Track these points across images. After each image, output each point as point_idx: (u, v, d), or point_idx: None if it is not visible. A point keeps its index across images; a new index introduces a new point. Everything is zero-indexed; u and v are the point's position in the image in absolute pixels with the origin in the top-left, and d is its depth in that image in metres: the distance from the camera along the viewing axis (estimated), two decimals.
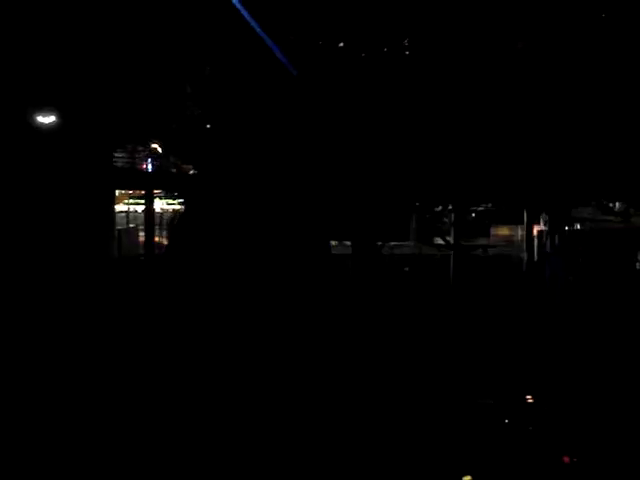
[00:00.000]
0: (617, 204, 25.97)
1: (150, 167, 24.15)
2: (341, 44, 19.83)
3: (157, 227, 25.23)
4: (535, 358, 15.81)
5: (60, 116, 18.72)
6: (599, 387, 13.89)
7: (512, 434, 11.95)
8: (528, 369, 15.12)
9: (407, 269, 24.02)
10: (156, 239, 24.58)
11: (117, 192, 23.19)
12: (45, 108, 18.59)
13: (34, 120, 18.59)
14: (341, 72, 19.59)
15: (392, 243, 23.05)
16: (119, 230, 23.56)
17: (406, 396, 13.56)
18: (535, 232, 24.44)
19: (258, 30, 17.88)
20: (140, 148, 23.53)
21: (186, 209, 20.39)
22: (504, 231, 27.22)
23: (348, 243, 21.99)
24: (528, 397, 13.50)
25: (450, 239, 24.18)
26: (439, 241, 24.64)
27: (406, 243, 24.57)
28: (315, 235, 19.41)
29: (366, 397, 13.34)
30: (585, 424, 12.29)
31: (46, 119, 18.74)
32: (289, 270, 17.73)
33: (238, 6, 17.09)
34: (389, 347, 16.59)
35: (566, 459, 10.95)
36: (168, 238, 23.43)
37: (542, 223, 24.34)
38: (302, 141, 19.17)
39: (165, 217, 27.17)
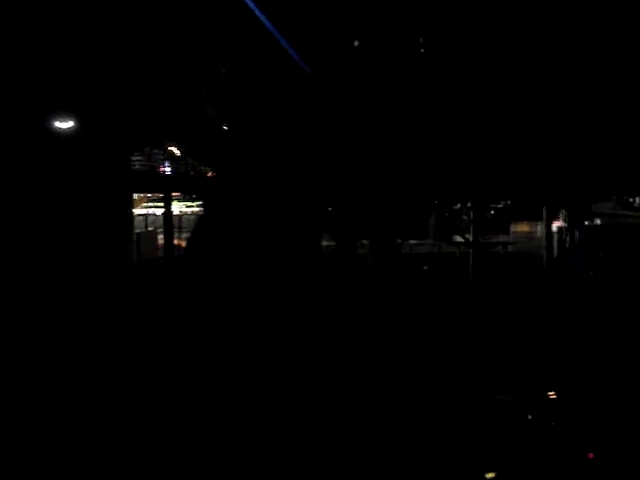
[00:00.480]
0: (637, 199, 25.81)
1: (168, 170, 24.17)
2: (356, 43, 19.81)
3: (176, 230, 25.27)
4: (556, 354, 15.72)
5: (77, 120, 18.79)
6: (620, 383, 13.79)
7: (534, 430, 11.88)
8: (549, 365, 15.03)
9: (426, 267, 23.94)
10: (175, 242, 24.61)
11: (135, 195, 23.21)
12: (62, 112, 18.66)
13: (51, 125, 18.67)
14: (357, 70, 19.55)
15: (411, 241, 23.00)
16: (138, 233, 23.58)
17: (425, 392, 13.53)
18: (555, 228, 24.31)
19: (272, 30, 17.89)
20: (157, 151, 23.56)
21: (206, 212, 20.46)
22: (523, 228, 27.12)
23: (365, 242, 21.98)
24: (550, 393, 13.42)
25: (469, 237, 24.05)
26: (458, 239, 24.53)
27: (425, 241, 24.50)
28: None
29: (385, 393, 13.33)
30: (606, 420, 12.21)
31: (63, 124, 18.81)
32: (305, 270, 17.77)
33: (252, 6, 17.09)
34: (408, 344, 16.57)
35: (591, 455, 10.88)
36: (187, 241, 23.48)
37: (562, 219, 24.19)
38: (319, 140, 19.16)
39: (184, 220, 27.22)
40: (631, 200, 26.00)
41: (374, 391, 13.33)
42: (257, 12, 17.60)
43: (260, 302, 16.38)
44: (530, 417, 12.32)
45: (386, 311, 18.84)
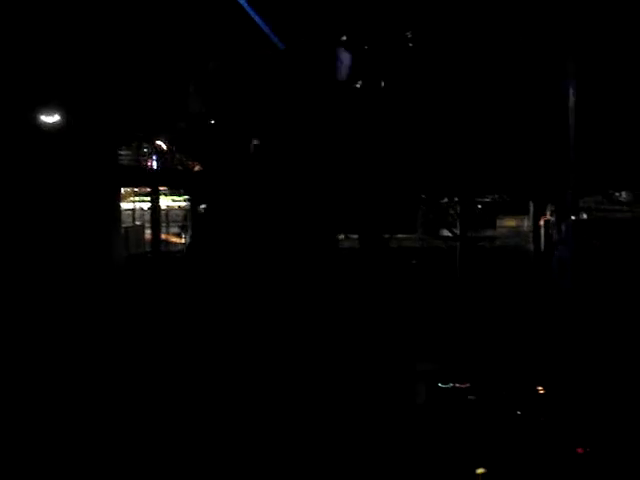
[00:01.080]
0: (623, 194, 25.94)
1: (155, 164, 24.10)
2: (344, 37, 19.81)
3: (163, 224, 25.22)
4: (545, 347, 15.80)
5: (64, 114, 18.71)
6: (608, 376, 13.88)
7: (524, 425, 11.94)
8: (538, 359, 15.10)
9: (414, 262, 23.96)
10: (162, 236, 24.55)
11: (123, 190, 23.12)
12: (49, 107, 18.57)
13: (38, 119, 18.59)
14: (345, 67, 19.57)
15: (399, 235, 23.01)
16: (125, 228, 23.51)
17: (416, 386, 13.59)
18: (542, 222, 24.38)
19: (262, 26, 17.86)
20: (145, 145, 23.50)
21: (205, 209, 20.57)
22: (511, 222, 27.17)
23: (355, 236, 21.98)
24: (539, 388, 13.49)
25: (457, 231, 24.10)
26: (445, 233, 24.57)
27: (413, 235, 24.51)
28: (322, 228, 19.45)
29: (374, 389, 13.37)
30: (595, 414, 12.29)
31: (50, 118, 18.72)
32: (299, 262, 17.80)
33: (243, 3, 17.07)
34: (397, 338, 16.60)
35: (580, 450, 10.95)
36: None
37: (548, 213, 24.28)
38: (307, 135, 19.16)
39: (171, 214, 27.17)
40: (617, 194, 26.15)
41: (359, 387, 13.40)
42: (247, 8, 17.59)
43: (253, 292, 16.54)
44: (519, 412, 12.39)
45: (374, 304, 18.87)
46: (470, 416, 12.32)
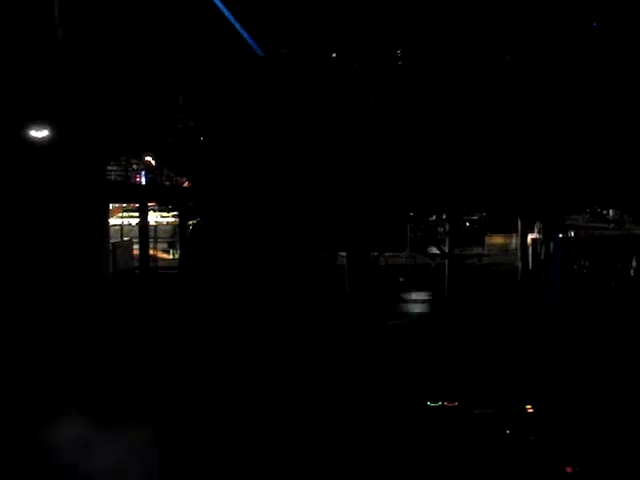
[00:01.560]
0: (611, 212, 26.03)
1: (144, 180, 24.05)
2: (334, 55, 19.87)
3: (151, 240, 25.12)
4: (534, 365, 15.80)
5: (53, 130, 18.65)
6: (597, 394, 13.89)
7: (513, 444, 11.91)
8: (526, 377, 15.09)
9: (402, 279, 23.98)
10: (151, 252, 24.46)
11: (111, 205, 23.02)
12: (38, 122, 18.51)
13: (26, 134, 18.52)
14: (335, 83, 19.61)
15: (388, 253, 23.02)
16: (113, 244, 23.42)
17: (403, 404, 13.56)
18: (529, 240, 24.46)
19: (250, 42, 17.90)
20: (134, 161, 23.45)
21: (195, 224, 20.55)
22: (498, 239, 27.22)
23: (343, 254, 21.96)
24: (528, 407, 13.47)
25: (445, 248, 24.15)
26: (434, 250, 24.61)
27: (402, 253, 24.51)
28: (311, 243, 19.46)
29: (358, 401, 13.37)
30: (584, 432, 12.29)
31: (39, 133, 18.65)
32: (289, 275, 17.82)
33: (230, 18, 17.11)
34: (385, 355, 16.59)
35: (569, 470, 10.94)
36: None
37: (536, 231, 24.35)
38: (296, 151, 19.17)
39: (159, 230, 27.07)
40: (604, 212, 26.23)
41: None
42: (235, 24, 17.62)
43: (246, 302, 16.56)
44: (508, 432, 12.37)
45: (362, 322, 18.87)
46: (459, 435, 12.29)
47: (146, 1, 18.56)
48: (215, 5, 17.49)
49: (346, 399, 13.63)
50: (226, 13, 17.49)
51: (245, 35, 17.78)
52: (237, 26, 17.80)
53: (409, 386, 14.54)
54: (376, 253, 22.04)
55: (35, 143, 18.50)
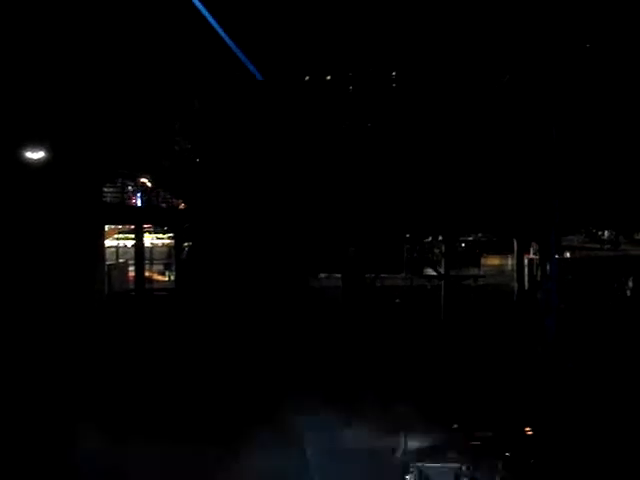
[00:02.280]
0: (606, 232, 26.06)
1: (139, 202, 24.05)
2: (328, 77, 19.95)
3: (147, 262, 25.07)
4: (532, 387, 15.77)
5: (49, 151, 18.67)
6: (596, 416, 13.86)
7: (514, 466, 11.86)
8: (525, 399, 15.06)
9: (398, 300, 23.93)
10: (146, 274, 24.41)
11: (106, 227, 23.02)
12: (34, 143, 18.53)
13: (22, 155, 18.53)
14: (331, 106, 19.69)
15: (383, 275, 23.01)
16: (109, 265, 23.39)
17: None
18: (526, 261, 24.45)
19: (248, 65, 17.97)
20: (129, 183, 23.47)
21: (190, 246, 20.61)
22: (495, 260, 27.18)
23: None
24: (527, 429, 13.43)
25: (441, 269, 24.14)
26: (430, 272, 24.60)
27: (398, 275, 24.47)
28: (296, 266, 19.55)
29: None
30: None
31: (35, 154, 18.66)
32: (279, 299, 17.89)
33: (228, 42, 17.18)
34: (380, 378, 16.55)
35: None
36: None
37: (532, 252, 24.36)
38: (292, 172, 19.22)
39: (155, 252, 27.02)
40: (600, 233, 26.26)
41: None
42: (231, 45, 17.70)
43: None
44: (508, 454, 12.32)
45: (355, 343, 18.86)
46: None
47: (143, 25, 18.64)
48: (212, 28, 17.57)
49: None
50: (224, 36, 17.58)
51: (243, 58, 17.87)
52: (234, 49, 17.89)
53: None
54: (372, 275, 22.05)
55: (31, 164, 18.52)
